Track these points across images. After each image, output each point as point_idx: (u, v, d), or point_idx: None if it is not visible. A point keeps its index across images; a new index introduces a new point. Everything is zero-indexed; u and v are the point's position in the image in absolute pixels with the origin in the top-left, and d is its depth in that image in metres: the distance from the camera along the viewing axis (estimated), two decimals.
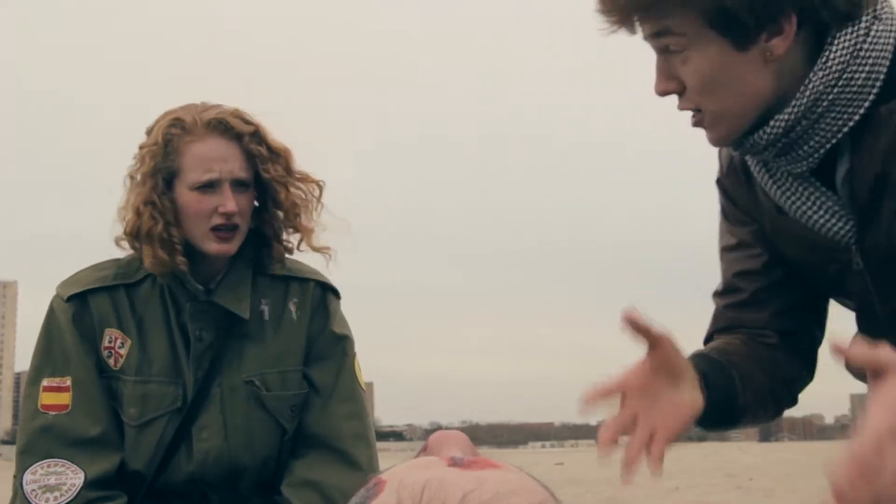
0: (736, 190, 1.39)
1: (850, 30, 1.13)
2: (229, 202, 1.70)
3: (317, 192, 1.84)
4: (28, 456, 1.70)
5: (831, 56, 1.13)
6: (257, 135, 1.74)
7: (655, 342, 1.12)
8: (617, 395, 1.13)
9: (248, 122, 1.74)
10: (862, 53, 1.13)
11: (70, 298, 1.76)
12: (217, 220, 1.71)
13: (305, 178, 1.83)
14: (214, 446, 1.78)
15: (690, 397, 1.16)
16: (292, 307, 1.87)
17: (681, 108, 1.21)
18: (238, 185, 1.72)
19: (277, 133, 1.80)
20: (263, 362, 1.82)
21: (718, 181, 1.43)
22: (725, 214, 1.44)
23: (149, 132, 1.77)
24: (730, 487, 12.55)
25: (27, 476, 1.68)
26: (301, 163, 1.84)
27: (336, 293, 1.93)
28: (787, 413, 1.44)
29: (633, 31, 1.18)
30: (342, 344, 1.91)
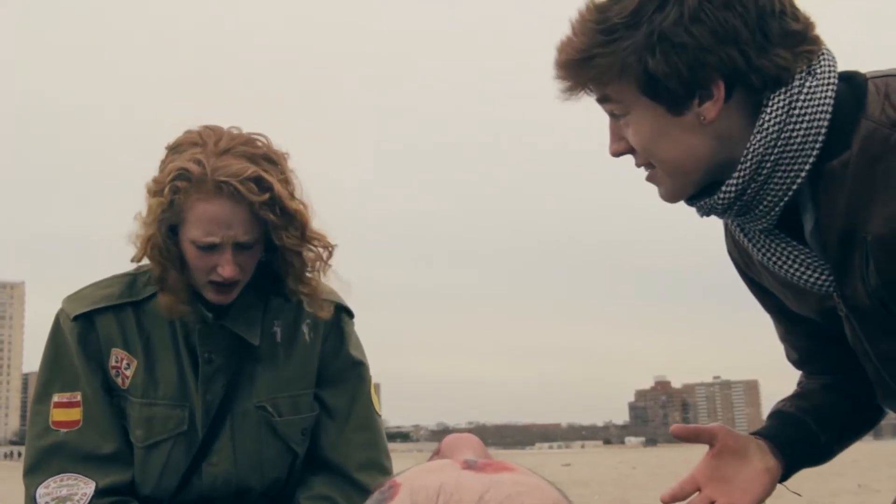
0: (734, 252, 1.44)
1: (783, 90, 1.16)
2: (228, 267, 1.64)
3: (325, 255, 1.75)
4: (40, 474, 1.69)
5: (766, 118, 1.16)
6: (270, 202, 1.62)
7: (709, 438, 1.26)
8: (694, 491, 1.26)
9: (263, 188, 1.61)
10: (797, 112, 1.15)
11: (76, 318, 1.73)
12: (215, 278, 1.67)
13: (319, 241, 1.74)
14: (223, 470, 1.76)
15: (763, 465, 1.29)
16: (305, 328, 1.83)
17: (637, 165, 1.26)
18: (240, 246, 1.66)
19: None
20: (275, 387, 1.79)
21: (727, 247, 1.47)
22: (741, 278, 1.49)
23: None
24: None
25: (40, 490, 1.67)
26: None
27: (350, 314, 1.89)
28: None
29: (589, 94, 1.24)
30: (359, 369, 1.88)
